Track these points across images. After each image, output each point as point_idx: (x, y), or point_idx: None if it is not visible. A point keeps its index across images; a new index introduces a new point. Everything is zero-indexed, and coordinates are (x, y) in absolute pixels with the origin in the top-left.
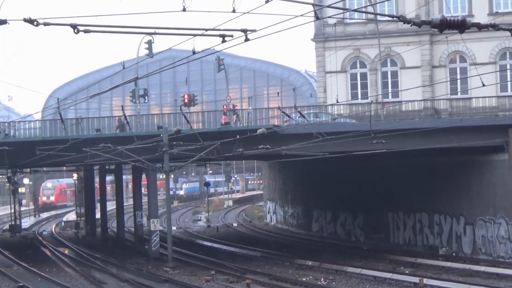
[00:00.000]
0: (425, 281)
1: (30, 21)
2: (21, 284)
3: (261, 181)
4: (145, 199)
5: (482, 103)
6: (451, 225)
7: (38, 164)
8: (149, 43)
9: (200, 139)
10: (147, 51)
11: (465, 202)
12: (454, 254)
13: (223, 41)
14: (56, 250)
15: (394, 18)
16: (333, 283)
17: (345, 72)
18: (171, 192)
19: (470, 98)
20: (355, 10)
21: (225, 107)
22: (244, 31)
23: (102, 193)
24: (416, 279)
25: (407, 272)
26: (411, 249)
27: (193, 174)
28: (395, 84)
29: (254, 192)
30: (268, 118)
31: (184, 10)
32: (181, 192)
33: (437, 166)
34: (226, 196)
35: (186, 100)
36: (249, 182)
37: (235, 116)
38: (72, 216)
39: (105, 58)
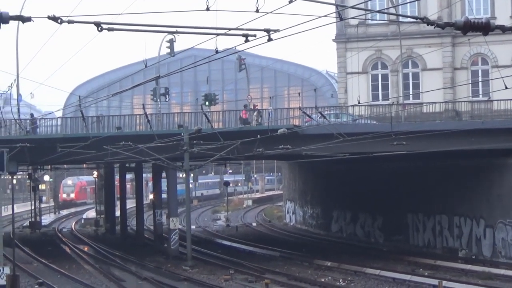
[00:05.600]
0: (444, 283)
1: (54, 18)
2: (40, 280)
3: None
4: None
5: (504, 105)
6: (471, 228)
7: (59, 161)
8: (171, 42)
9: (220, 138)
10: (168, 50)
11: (486, 205)
12: (473, 257)
13: (246, 40)
14: (75, 247)
15: (418, 20)
16: (352, 284)
17: (366, 73)
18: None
19: (491, 101)
20: (379, 11)
21: (244, 112)
22: (267, 31)
23: (122, 191)
24: (435, 281)
25: (426, 274)
26: (430, 251)
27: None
28: (416, 86)
29: (271, 193)
30: (289, 118)
31: (207, 9)
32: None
33: (457, 168)
34: (245, 195)
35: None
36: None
37: (256, 113)
38: (92, 214)
39: (127, 56)
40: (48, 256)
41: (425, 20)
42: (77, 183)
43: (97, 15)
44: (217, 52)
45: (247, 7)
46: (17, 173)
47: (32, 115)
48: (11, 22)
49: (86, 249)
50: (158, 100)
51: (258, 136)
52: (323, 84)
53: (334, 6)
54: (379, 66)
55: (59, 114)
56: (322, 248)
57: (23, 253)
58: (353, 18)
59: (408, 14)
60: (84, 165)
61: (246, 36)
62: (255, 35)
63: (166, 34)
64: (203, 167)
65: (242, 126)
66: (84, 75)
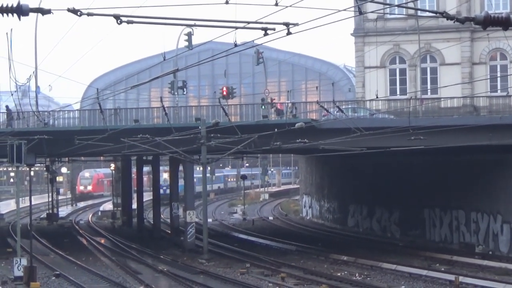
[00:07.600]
0: (461, 279)
1: (74, 11)
2: (57, 272)
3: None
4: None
5: None
6: (488, 223)
7: (76, 154)
8: (189, 35)
9: (238, 131)
10: (186, 43)
11: (503, 201)
12: (490, 253)
13: (265, 34)
14: (92, 239)
15: (437, 14)
16: (368, 278)
17: (384, 67)
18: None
19: (510, 96)
20: (398, 6)
21: (279, 104)
22: (287, 24)
23: (139, 183)
24: (452, 277)
25: (442, 269)
26: (447, 247)
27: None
28: (434, 81)
29: (288, 186)
30: (307, 112)
31: (226, 2)
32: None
33: (475, 163)
34: (262, 189)
35: (224, 93)
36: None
37: (290, 105)
38: (108, 206)
39: (145, 49)
40: (65, 248)
41: (444, 15)
42: (94, 176)
43: (116, 8)
44: (236, 45)
45: (267, 1)
46: (35, 165)
47: (7, 107)
48: (30, 14)
49: (102, 241)
50: (176, 93)
51: (276, 129)
52: (341, 78)
53: (353, 0)
54: (397, 61)
55: (77, 106)
56: (338, 242)
57: (40, 245)
58: (372, 12)
59: (427, 8)
60: (102, 157)
61: (265, 29)
62: (274, 29)
63: (184, 27)
64: (220, 160)
65: (259, 120)
66: (102, 68)
